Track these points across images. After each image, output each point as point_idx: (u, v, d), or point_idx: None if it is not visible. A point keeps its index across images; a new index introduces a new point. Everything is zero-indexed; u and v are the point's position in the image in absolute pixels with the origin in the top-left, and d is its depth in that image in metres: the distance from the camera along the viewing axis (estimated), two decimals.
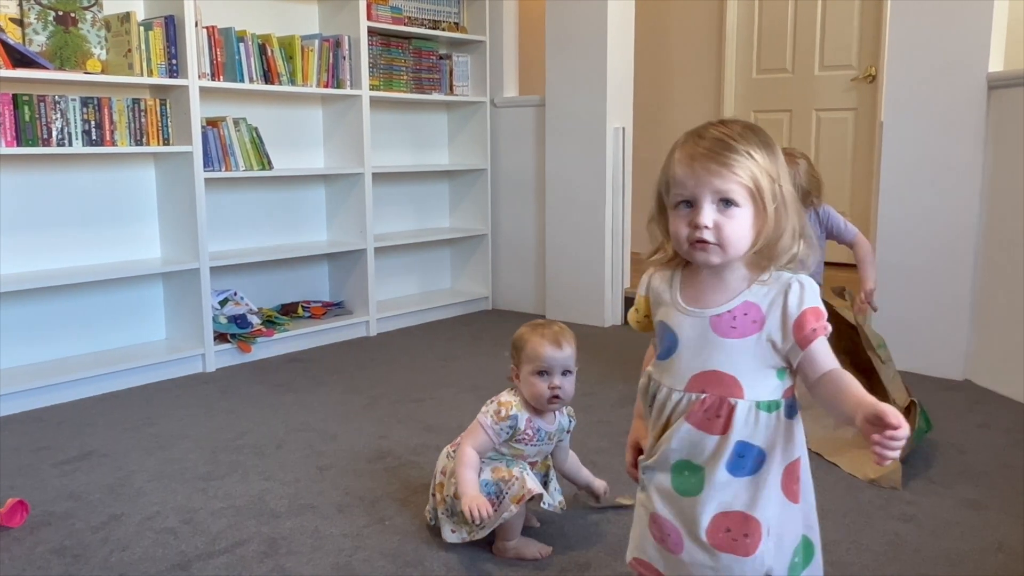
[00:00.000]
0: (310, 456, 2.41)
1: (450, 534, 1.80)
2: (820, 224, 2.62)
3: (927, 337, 3.12)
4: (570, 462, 1.96)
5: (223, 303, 3.43)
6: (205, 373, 3.27)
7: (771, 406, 1.21)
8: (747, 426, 1.21)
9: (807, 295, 1.20)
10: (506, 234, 4.46)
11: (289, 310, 3.78)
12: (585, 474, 1.99)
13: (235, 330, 3.37)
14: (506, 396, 1.81)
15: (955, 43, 2.98)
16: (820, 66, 4.82)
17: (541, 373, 1.76)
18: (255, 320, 3.46)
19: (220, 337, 3.34)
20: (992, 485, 2.17)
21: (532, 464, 1.83)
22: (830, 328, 1.20)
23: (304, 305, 3.80)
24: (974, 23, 2.93)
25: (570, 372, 1.79)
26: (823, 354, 1.19)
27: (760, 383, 1.21)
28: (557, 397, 1.76)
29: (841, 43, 4.72)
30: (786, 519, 1.23)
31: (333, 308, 3.89)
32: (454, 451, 1.84)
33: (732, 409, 1.20)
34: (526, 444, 1.80)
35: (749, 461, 1.21)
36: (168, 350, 3.25)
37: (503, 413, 1.78)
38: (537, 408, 1.79)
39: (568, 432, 1.89)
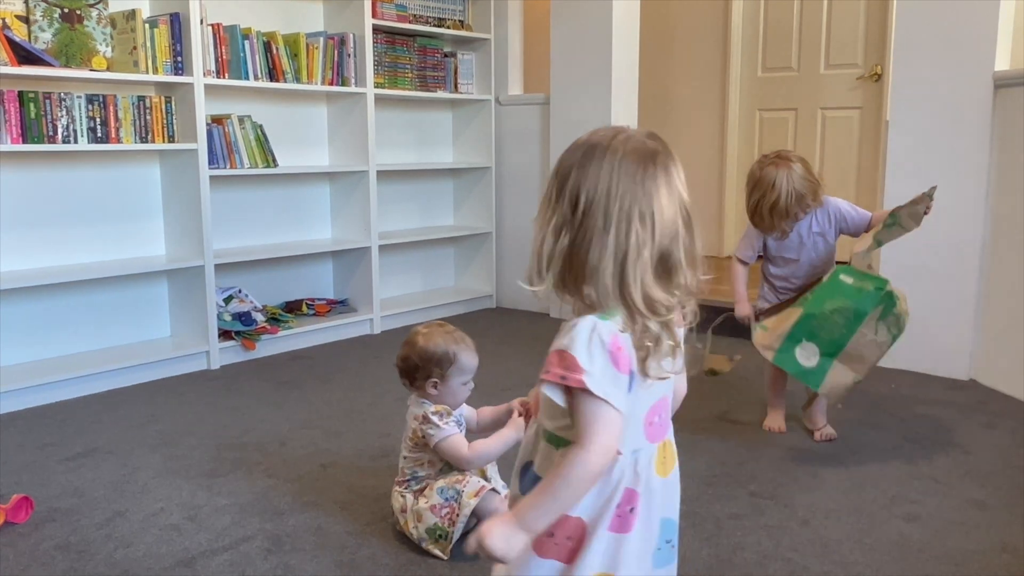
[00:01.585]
0: (314, 453, 2.41)
1: (440, 553, 1.81)
2: (829, 222, 2.56)
3: (933, 337, 3.11)
4: (480, 416, 1.98)
5: (227, 300, 3.43)
6: (209, 370, 3.27)
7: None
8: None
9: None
10: (510, 232, 4.46)
11: (293, 308, 3.78)
12: (498, 411, 1.98)
13: (239, 327, 3.38)
14: (429, 407, 1.85)
15: (961, 42, 2.97)
16: (825, 65, 4.80)
17: (468, 380, 1.89)
18: (259, 317, 3.47)
19: (224, 334, 3.35)
20: (997, 485, 2.17)
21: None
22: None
23: (308, 303, 3.81)
24: (980, 22, 2.92)
25: None
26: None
27: None
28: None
29: (847, 41, 4.70)
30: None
31: (337, 306, 3.89)
32: (403, 488, 1.88)
33: None
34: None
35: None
36: (173, 347, 3.26)
37: (444, 414, 1.84)
38: (453, 406, 1.90)
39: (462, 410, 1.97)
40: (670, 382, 1.14)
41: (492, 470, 1.95)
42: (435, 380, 1.85)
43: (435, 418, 1.82)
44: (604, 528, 1.10)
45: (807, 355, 2.31)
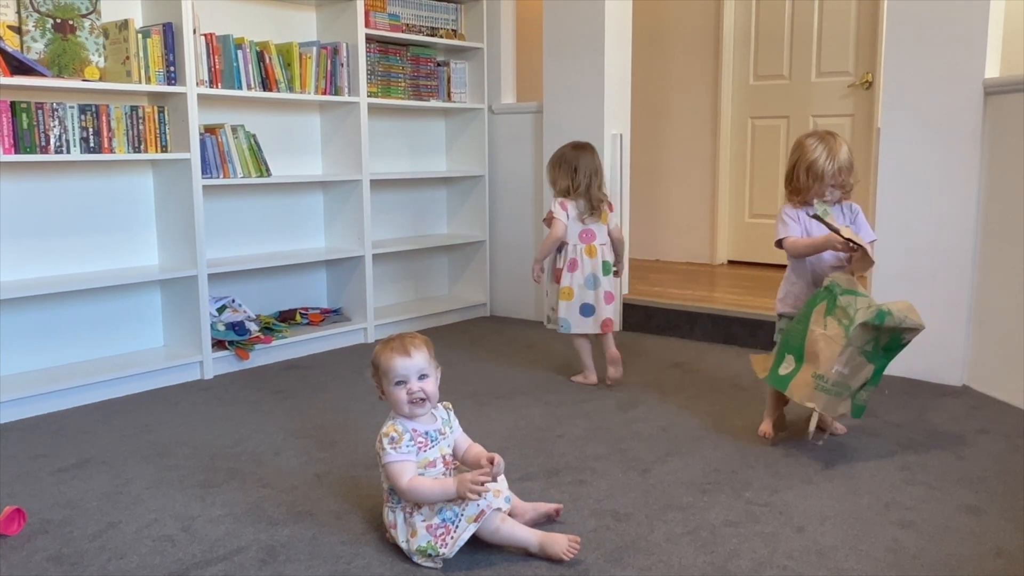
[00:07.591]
0: (308, 463, 2.40)
1: (432, 565, 1.81)
2: (849, 218, 2.52)
3: (926, 343, 3.10)
4: (469, 452, 1.95)
5: (221, 310, 3.43)
6: (203, 380, 3.26)
7: None
8: None
9: None
10: (504, 241, 4.46)
11: (287, 317, 3.77)
12: (479, 456, 1.93)
13: (233, 337, 3.37)
14: (386, 425, 1.87)
15: (951, 49, 2.99)
16: (817, 72, 4.83)
17: (399, 383, 1.85)
18: (253, 327, 3.46)
19: (218, 344, 3.34)
20: (991, 490, 2.17)
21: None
22: None
23: (302, 312, 3.80)
24: (970, 29, 2.94)
25: (427, 375, 1.88)
26: None
27: None
28: (419, 400, 1.85)
29: (838, 49, 4.73)
30: None
31: (331, 315, 3.89)
32: (391, 504, 1.88)
33: None
34: (426, 450, 1.86)
35: None
36: (166, 357, 3.25)
37: (395, 437, 1.83)
38: (408, 416, 1.87)
39: (451, 425, 1.95)
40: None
41: (502, 481, 1.92)
42: (380, 390, 1.89)
43: (385, 441, 1.83)
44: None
45: (785, 366, 2.45)
